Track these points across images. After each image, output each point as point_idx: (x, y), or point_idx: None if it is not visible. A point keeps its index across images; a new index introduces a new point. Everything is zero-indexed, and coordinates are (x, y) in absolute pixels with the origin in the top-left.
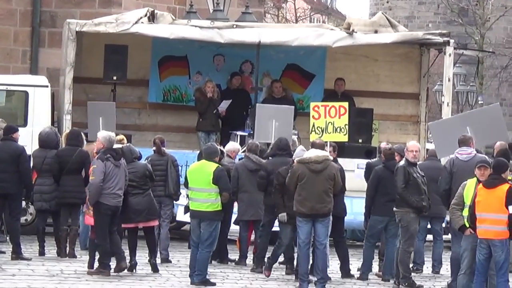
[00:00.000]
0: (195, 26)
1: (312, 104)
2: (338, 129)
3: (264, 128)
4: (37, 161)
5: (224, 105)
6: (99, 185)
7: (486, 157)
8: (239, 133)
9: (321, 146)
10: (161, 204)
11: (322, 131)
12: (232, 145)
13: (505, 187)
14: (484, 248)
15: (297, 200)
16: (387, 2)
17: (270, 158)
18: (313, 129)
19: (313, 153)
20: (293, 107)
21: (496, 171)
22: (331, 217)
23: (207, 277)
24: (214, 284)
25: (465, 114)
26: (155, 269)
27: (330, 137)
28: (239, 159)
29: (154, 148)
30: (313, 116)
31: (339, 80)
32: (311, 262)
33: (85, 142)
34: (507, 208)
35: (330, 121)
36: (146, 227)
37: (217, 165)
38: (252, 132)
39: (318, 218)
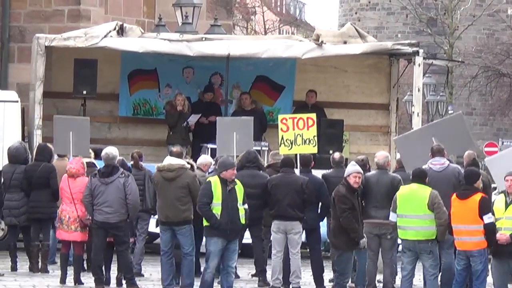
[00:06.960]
0: (164, 39)
1: (280, 117)
2: (307, 141)
3: (225, 141)
4: (6, 177)
5: (193, 119)
6: (84, 200)
7: (459, 166)
8: (210, 145)
9: (179, 155)
10: (137, 219)
11: (291, 144)
12: (205, 159)
13: (477, 197)
14: (463, 259)
15: (157, 207)
16: (356, 13)
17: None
18: (282, 142)
19: (167, 161)
20: (252, 118)
21: (467, 182)
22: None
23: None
24: None
25: (429, 125)
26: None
27: (299, 149)
28: (209, 172)
29: (132, 162)
30: (281, 129)
31: (310, 92)
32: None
33: (55, 156)
34: (482, 219)
35: (298, 133)
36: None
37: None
38: None
39: (174, 227)
